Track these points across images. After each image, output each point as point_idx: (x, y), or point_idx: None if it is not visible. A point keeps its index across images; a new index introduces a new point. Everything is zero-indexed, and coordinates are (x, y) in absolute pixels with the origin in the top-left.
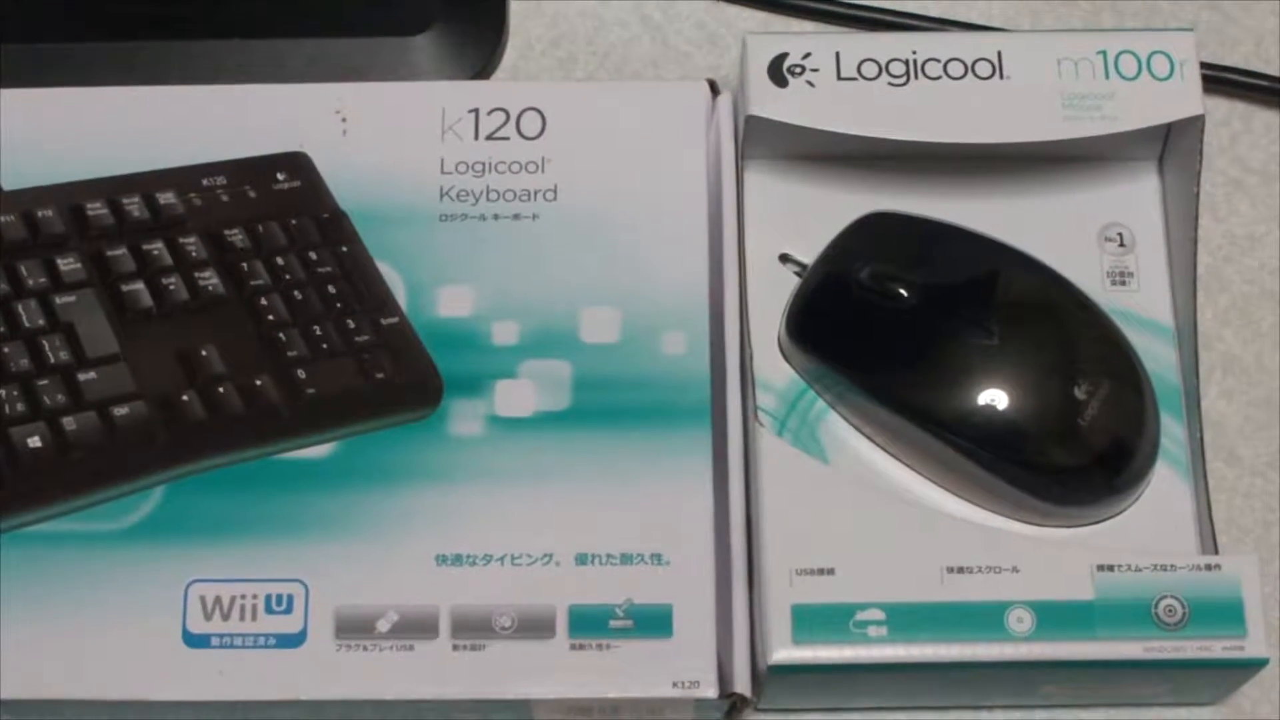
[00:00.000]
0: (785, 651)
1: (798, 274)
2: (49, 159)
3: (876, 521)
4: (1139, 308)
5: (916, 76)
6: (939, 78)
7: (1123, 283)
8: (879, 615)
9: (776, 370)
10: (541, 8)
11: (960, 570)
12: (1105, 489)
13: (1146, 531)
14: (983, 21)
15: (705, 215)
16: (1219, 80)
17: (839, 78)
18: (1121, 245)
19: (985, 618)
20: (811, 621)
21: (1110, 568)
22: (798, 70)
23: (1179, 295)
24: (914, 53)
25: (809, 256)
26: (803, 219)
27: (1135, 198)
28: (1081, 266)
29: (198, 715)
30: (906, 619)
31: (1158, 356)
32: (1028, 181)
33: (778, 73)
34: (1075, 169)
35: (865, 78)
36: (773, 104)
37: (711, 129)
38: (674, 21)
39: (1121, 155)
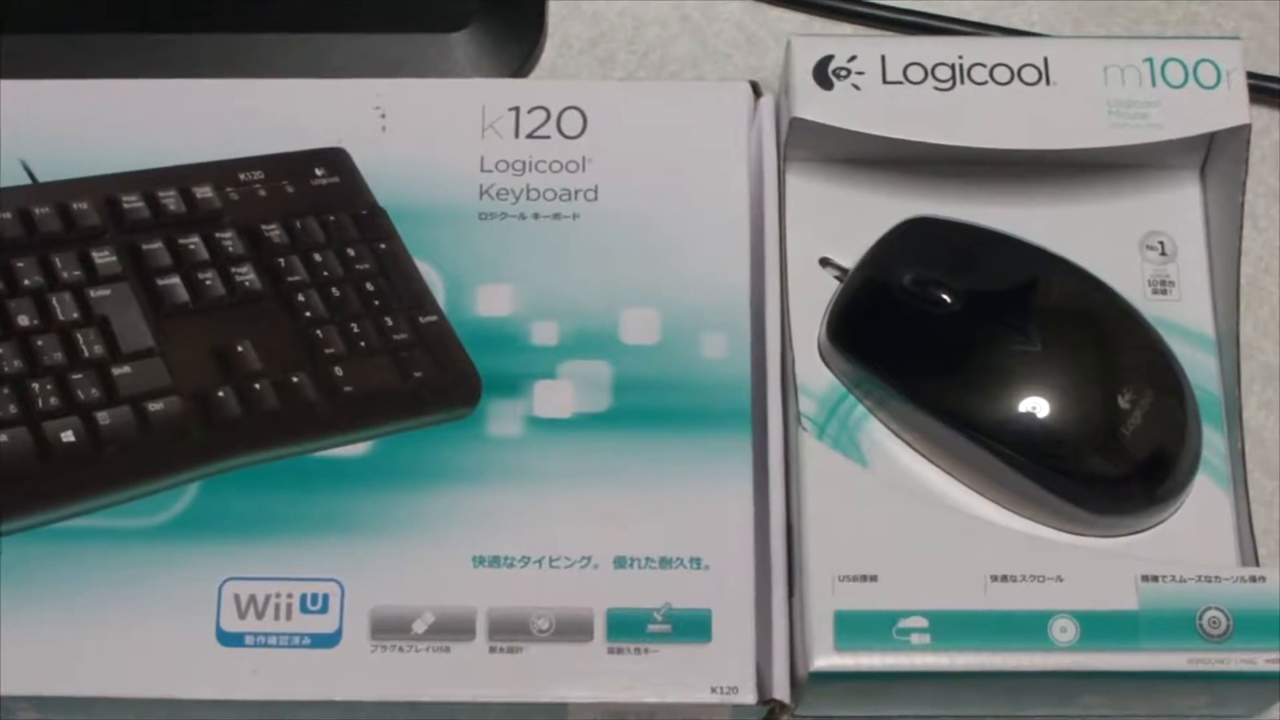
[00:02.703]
0: (827, 658)
1: (838, 278)
2: (85, 151)
3: (919, 528)
4: (1180, 317)
5: (962, 81)
6: (985, 83)
7: (1164, 291)
8: (922, 623)
9: (816, 374)
10: (581, 7)
11: (1004, 579)
12: (1147, 499)
13: (1186, 542)
14: (1024, 27)
15: (746, 217)
16: (1261, 90)
17: (885, 81)
18: (1163, 254)
19: (1029, 627)
20: (854, 628)
21: (1155, 578)
22: (843, 73)
23: (1220, 305)
24: (960, 57)
25: (849, 260)
26: (843, 222)
27: (1177, 206)
28: (1123, 274)
29: (230, 714)
30: (949, 627)
31: (1198, 366)
32: (1069, 188)
33: (823, 75)
34: (1117, 176)
35: (911, 82)
36: (818, 106)
37: (753, 130)
38: (713, 22)
39: (1164, 163)
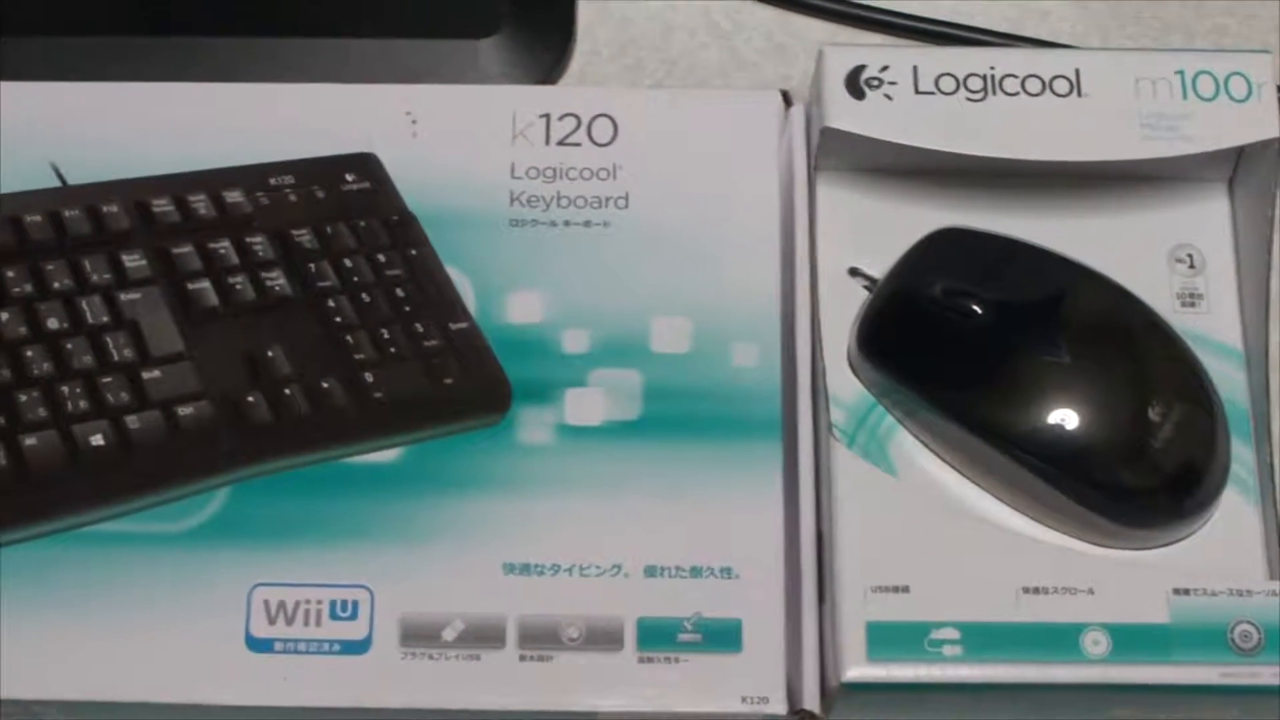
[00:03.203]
0: (860, 669)
1: (867, 288)
2: (114, 154)
3: (951, 539)
4: (1208, 330)
5: (994, 92)
6: (1017, 94)
7: (1192, 304)
8: (954, 634)
9: (845, 385)
10: (610, 13)
11: (1035, 591)
12: (1176, 512)
13: (1215, 555)
14: (1050, 39)
15: (776, 226)
16: None
17: (917, 91)
18: (1191, 267)
19: (1061, 639)
20: (886, 639)
21: (1186, 591)
22: (875, 83)
23: (1249, 318)
24: (992, 68)
25: (878, 270)
26: (872, 232)
27: (1205, 219)
28: (1151, 287)
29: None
30: (982, 639)
31: (1226, 379)
32: (1097, 200)
33: (855, 85)
34: (1145, 188)
35: (943, 92)
36: (850, 116)
37: (783, 139)
38: (742, 30)
39: (1192, 176)
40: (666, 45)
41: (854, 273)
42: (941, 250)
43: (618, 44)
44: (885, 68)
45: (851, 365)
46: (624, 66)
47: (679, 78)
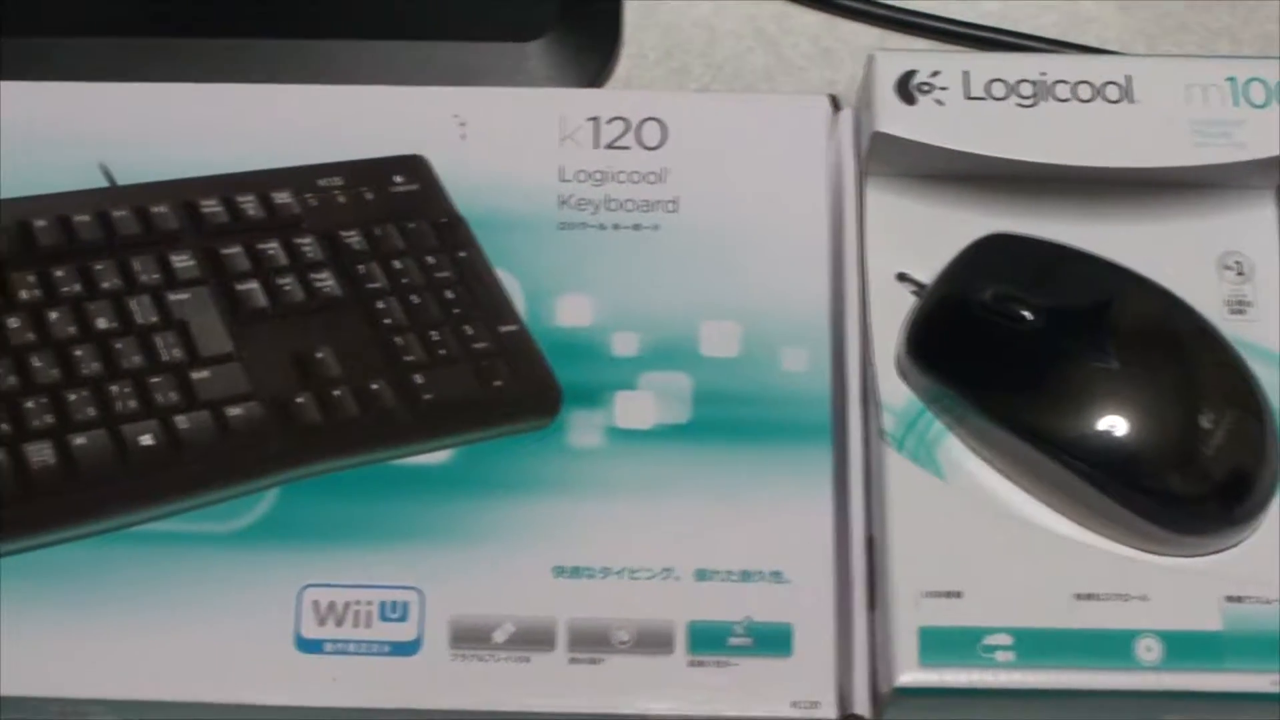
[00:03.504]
0: (912, 674)
1: (914, 293)
2: (163, 155)
3: (1002, 545)
4: (1256, 337)
5: (1045, 98)
6: (1068, 100)
7: (1241, 311)
8: (1007, 640)
9: (893, 390)
10: (656, 18)
11: (1089, 597)
12: (1227, 519)
13: (1266, 562)
14: (1096, 45)
15: (825, 231)
16: None
17: (967, 97)
18: (1240, 274)
19: (1114, 646)
20: (939, 644)
21: (1239, 599)
22: (926, 88)
23: None
24: (1042, 74)
25: (925, 275)
26: (919, 237)
27: (1254, 226)
28: (1200, 294)
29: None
30: (1035, 645)
31: (1274, 386)
32: (1146, 206)
33: (905, 90)
34: (1194, 195)
35: (994, 98)
36: (900, 121)
37: (831, 144)
38: (788, 35)
39: (1241, 183)
40: (712, 50)
41: (902, 278)
42: (990, 256)
43: (663, 48)
44: (936, 73)
45: (900, 370)
46: (670, 71)
47: (724, 82)
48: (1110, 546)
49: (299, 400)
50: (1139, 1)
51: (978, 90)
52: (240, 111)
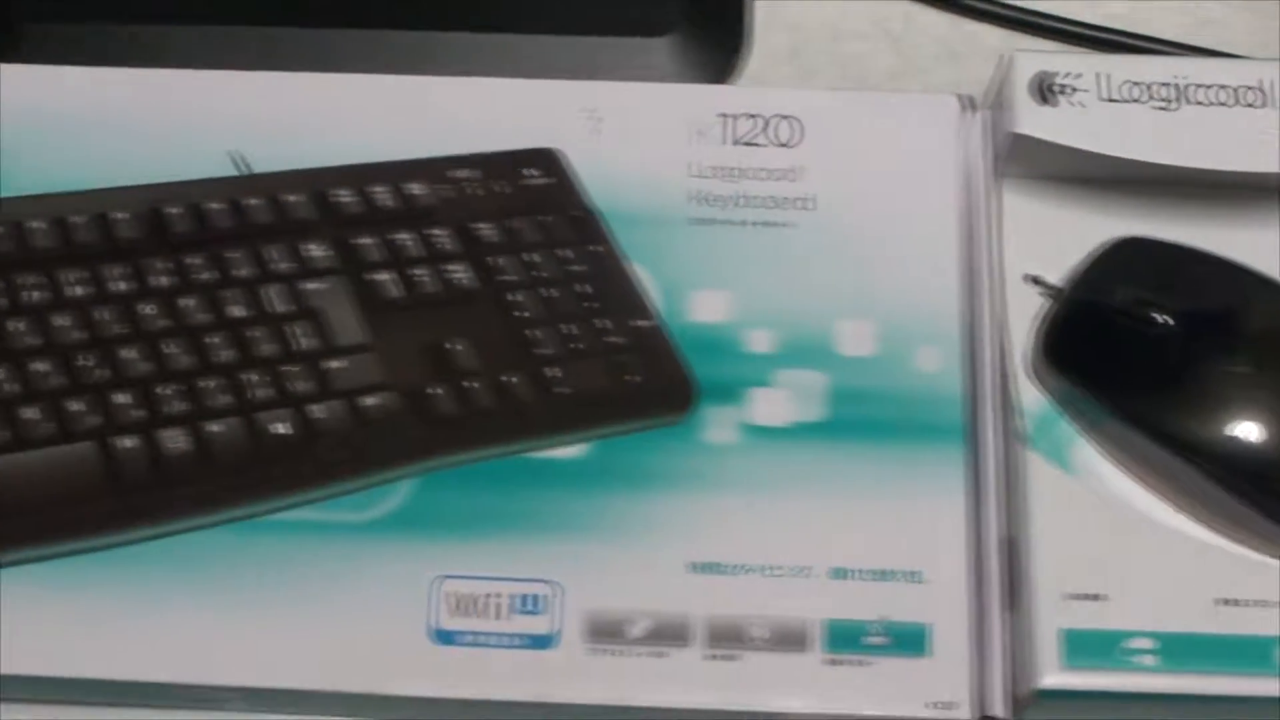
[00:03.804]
0: (1055, 676)
1: (1045, 295)
2: (296, 144)
3: (1143, 548)
4: None
5: (1183, 102)
6: (1206, 104)
7: None
8: (1149, 644)
9: (1026, 392)
10: (782, 17)
11: (1230, 602)
12: None
13: None
14: (1223, 49)
15: (955, 231)
16: None
17: (1105, 99)
18: None
19: (1255, 652)
20: (1081, 647)
21: None
22: (1064, 89)
23: None
24: (1179, 77)
25: (1053, 277)
26: (1048, 240)
27: None
28: None
29: (442, 713)
30: (1177, 649)
31: None
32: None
33: (1043, 91)
34: None
35: (1131, 100)
36: (1038, 122)
37: (961, 143)
38: (914, 35)
39: None
40: (838, 49)
41: (1032, 280)
42: (1124, 259)
43: (790, 46)
44: (1074, 74)
45: (1032, 373)
46: (796, 70)
47: (850, 81)
48: (1248, 553)
49: (434, 391)
50: (1267, 3)
51: (1115, 92)
52: (373, 102)
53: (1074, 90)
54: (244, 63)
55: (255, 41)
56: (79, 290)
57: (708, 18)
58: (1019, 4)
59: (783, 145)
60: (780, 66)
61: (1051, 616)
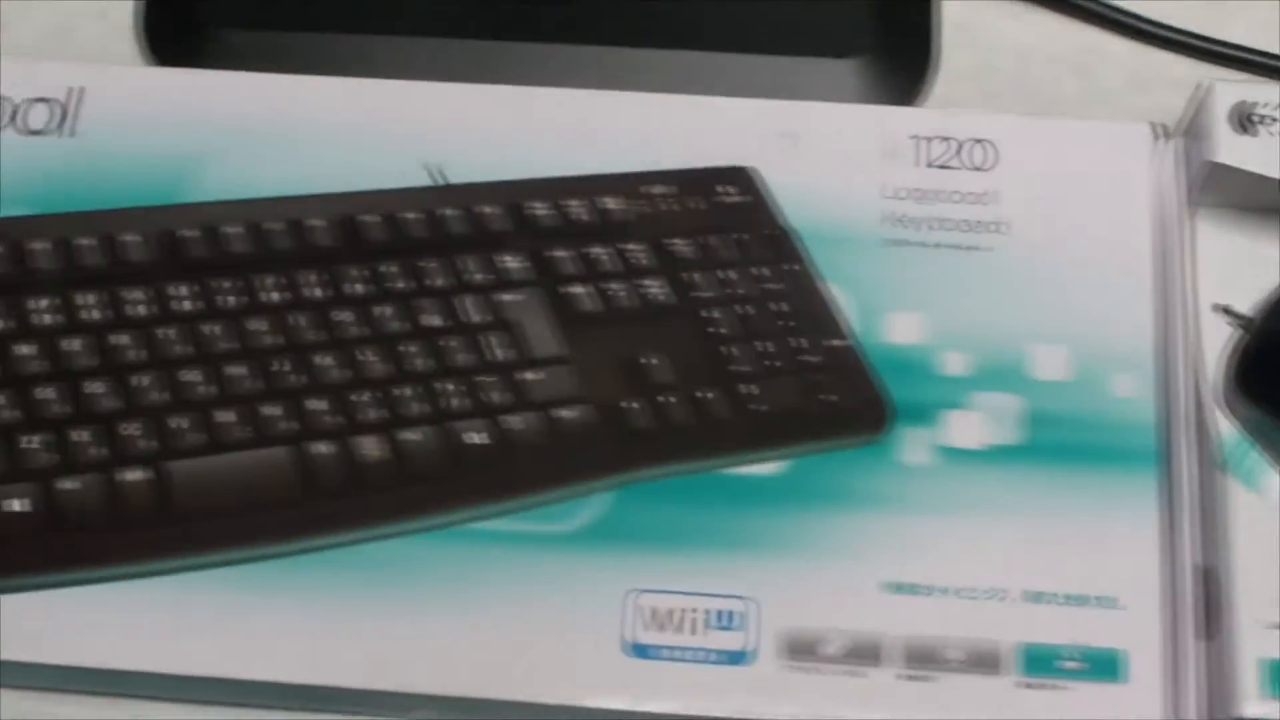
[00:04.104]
0: (1255, 705)
1: (1234, 325)
2: (490, 156)
3: None
4: None
5: None
6: None
7: None
8: None
9: (1219, 421)
10: (970, 41)
11: None
12: None
13: None
14: None
15: (1148, 258)
16: None
17: None
18: None
19: None
20: None
21: None
22: (1263, 119)
23: None
24: None
25: (1244, 307)
26: (1240, 269)
27: None
28: None
29: None
30: None
31: None
32: None
33: (1242, 120)
34: None
35: None
36: (1236, 151)
37: (1153, 172)
38: (1102, 63)
39: None
40: (1025, 74)
41: (1223, 310)
42: None
43: (976, 71)
44: (1274, 105)
45: (1222, 402)
46: (981, 94)
47: (1037, 107)
48: None
49: (629, 405)
50: None
51: None
52: (567, 116)
53: (1273, 120)
54: (441, 74)
55: (451, 53)
56: (275, 296)
57: (897, 40)
58: (1205, 33)
59: (976, 169)
60: (966, 90)
61: (1251, 644)
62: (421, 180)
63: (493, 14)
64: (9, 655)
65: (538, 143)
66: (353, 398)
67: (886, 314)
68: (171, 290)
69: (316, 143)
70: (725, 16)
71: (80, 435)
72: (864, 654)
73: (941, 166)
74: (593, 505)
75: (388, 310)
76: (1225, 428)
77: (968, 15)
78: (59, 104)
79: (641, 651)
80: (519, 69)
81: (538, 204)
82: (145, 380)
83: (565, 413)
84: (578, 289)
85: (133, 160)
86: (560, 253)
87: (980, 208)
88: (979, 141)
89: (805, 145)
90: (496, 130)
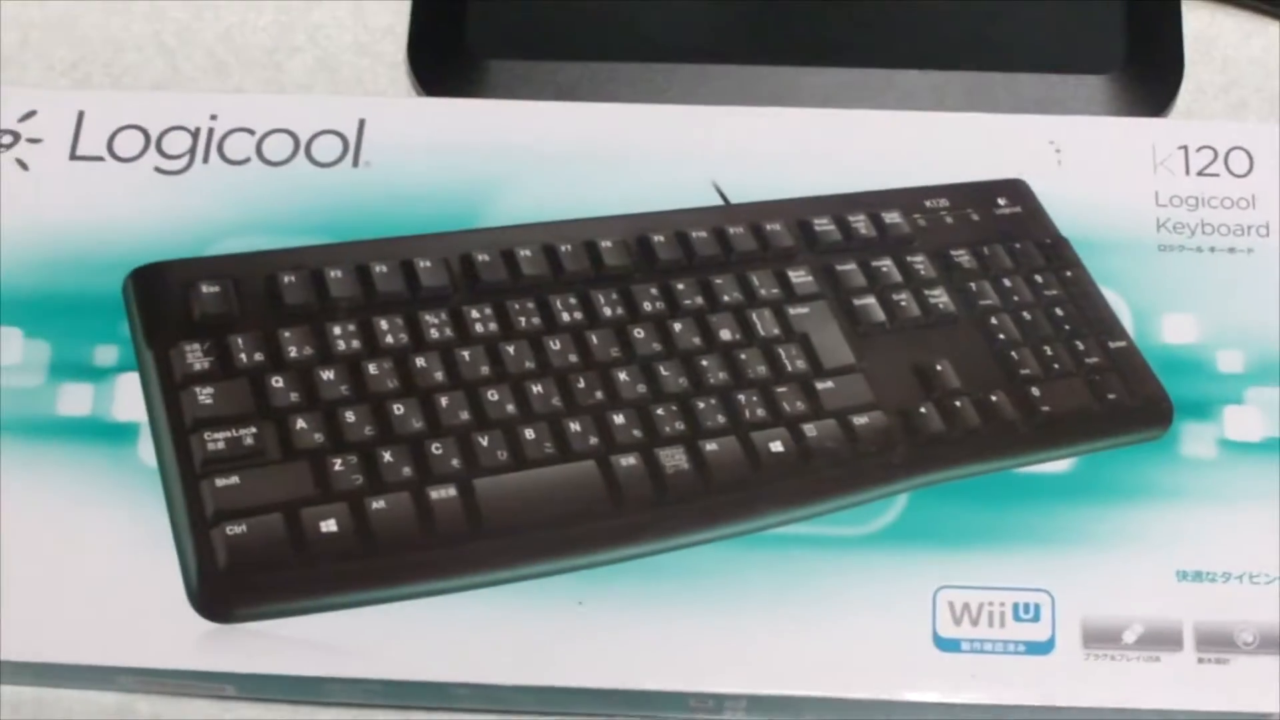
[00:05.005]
0: None
1: None
2: (770, 174)
3: None
4: None
5: None
6: None
7: None
8: None
9: None
10: (1214, 54)
11: None
12: None
13: None
14: None
15: None
16: None
17: None
18: None
19: None
20: None
21: None
22: None
23: None
24: None
25: None
26: None
27: None
28: None
29: (945, 716)
30: None
31: None
32: None
33: None
34: None
35: None
36: None
37: None
38: None
39: None
40: (1268, 84)
41: None
42: None
43: (1221, 83)
44: None
45: None
46: (1228, 104)
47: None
48: None
49: (922, 410)
50: None
51: None
52: (843, 135)
53: None
54: (722, 98)
55: (731, 79)
56: (571, 316)
57: (1147, 56)
58: None
59: (1237, 176)
60: (1212, 101)
61: None
62: (705, 200)
63: (768, 42)
64: (334, 672)
65: (814, 162)
66: (653, 412)
67: (1162, 316)
68: (469, 313)
69: (602, 166)
70: (984, 37)
71: (387, 456)
72: (1163, 640)
73: (1206, 174)
74: (891, 507)
75: (681, 325)
76: None
77: (1207, 28)
78: (344, 136)
79: (952, 645)
80: (793, 92)
81: (821, 220)
82: (447, 401)
83: (859, 420)
84: (865, 300)
85: (421, 188)
86: (846, 266)
87: (1242, 212)
88: (1238, 149)
89: (1073, 158)
90: (774, 151)
